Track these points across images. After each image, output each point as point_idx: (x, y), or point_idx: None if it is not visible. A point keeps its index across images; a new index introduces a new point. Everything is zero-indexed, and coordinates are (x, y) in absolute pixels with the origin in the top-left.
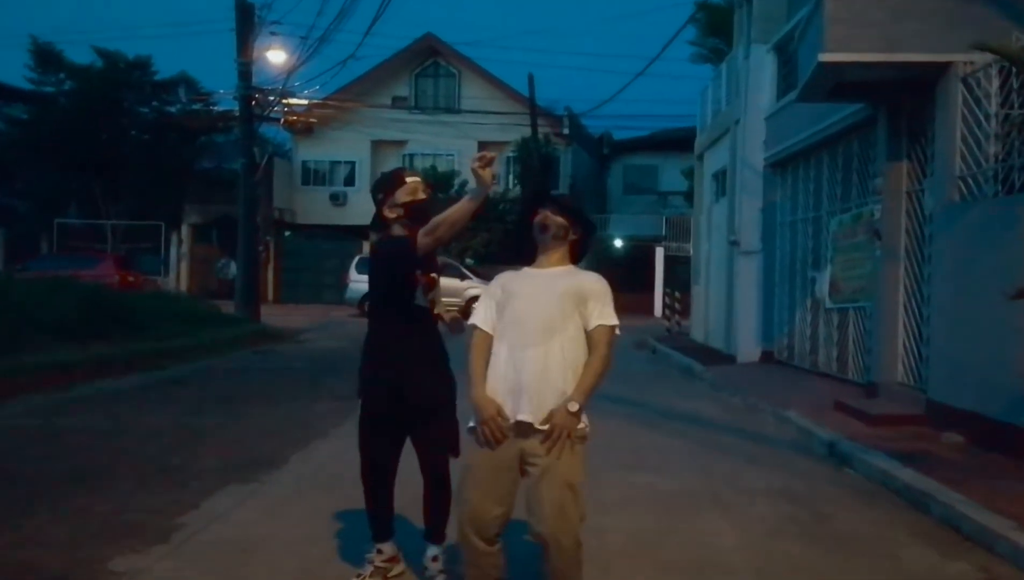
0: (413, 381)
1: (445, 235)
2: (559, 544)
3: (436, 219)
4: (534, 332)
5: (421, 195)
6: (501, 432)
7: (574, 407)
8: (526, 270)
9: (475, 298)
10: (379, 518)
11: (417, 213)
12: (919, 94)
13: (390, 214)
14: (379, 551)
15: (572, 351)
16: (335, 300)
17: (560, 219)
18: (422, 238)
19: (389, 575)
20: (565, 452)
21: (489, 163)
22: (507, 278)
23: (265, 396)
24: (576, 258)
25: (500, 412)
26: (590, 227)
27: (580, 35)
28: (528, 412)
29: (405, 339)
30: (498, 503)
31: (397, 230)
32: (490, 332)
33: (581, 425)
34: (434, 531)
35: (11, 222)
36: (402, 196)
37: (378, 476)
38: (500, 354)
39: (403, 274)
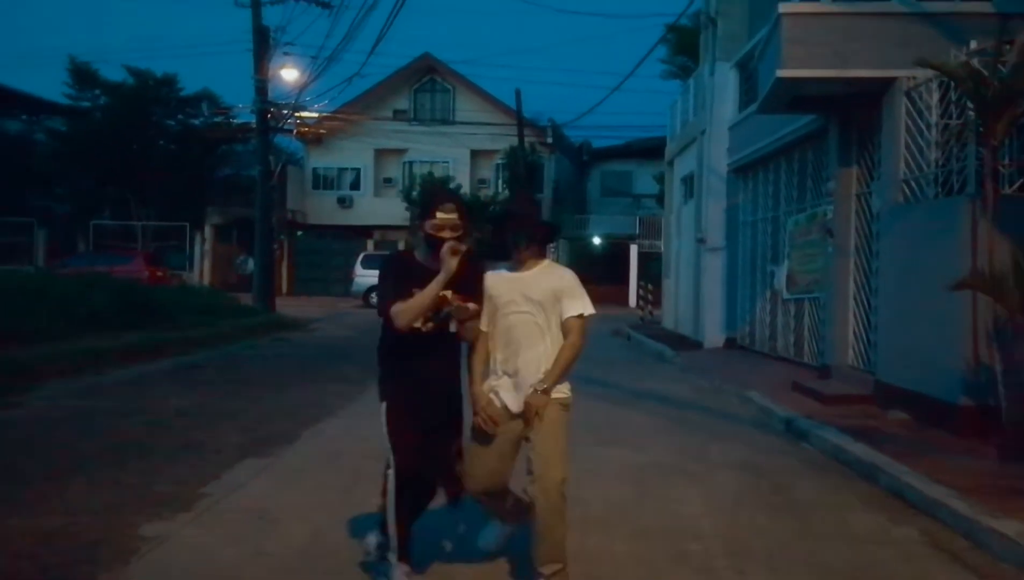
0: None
1: (403, 323)
2: (546, 493)
3: (400, 306)
4: (526, 338)
5: (445, 234)
6: (494, 420)
7: (542, 387)
8: (508, 275)
9: None
10: (404, 532)
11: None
12: (867, 106)
13: (429, 231)
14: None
15: (558, 344)
16: (342, 293)
17: (526, 229)
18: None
19: None
20: (550, 421)
21: (457, 253)
22: (493, 283)
23: (280, 379)
24: (545, 251)
25: (491, 402)
26: (554, 229)
27: (562, 54)
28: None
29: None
30: (500, 475)
31: (420, 254)
32: (486, 330)
33: (563, 395)
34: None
35: (51, 223)
36: (428, 227)
37: (423, 486)
38: (498, 359)
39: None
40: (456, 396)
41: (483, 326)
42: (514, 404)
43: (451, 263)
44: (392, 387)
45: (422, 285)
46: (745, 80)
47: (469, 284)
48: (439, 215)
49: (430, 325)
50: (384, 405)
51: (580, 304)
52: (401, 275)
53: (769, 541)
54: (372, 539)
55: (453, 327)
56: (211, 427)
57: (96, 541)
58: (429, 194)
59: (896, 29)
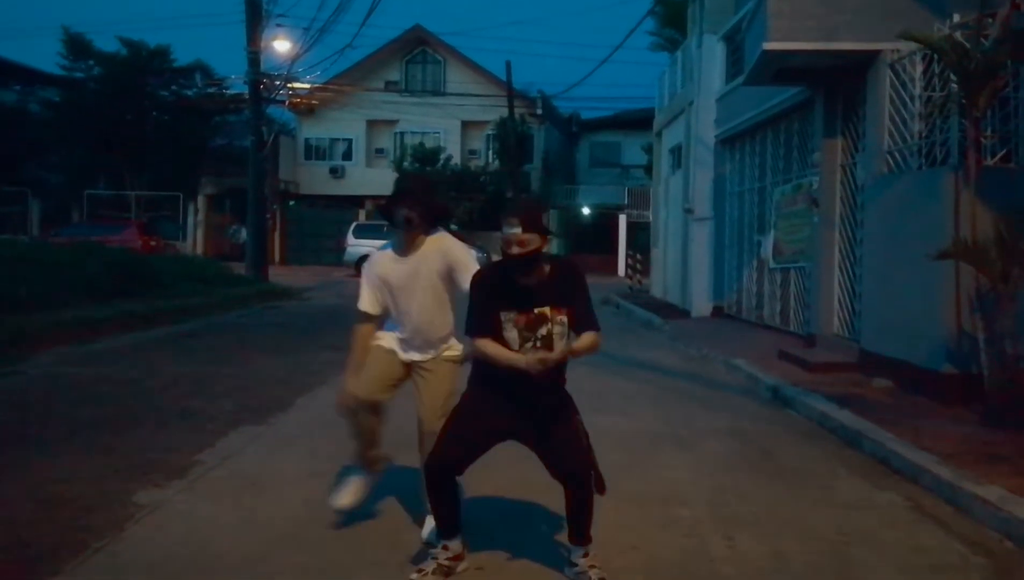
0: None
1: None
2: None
3: (482, 345)
4: (425, 321)
5: (513, 250)
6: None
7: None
8: (397, 257)
9: None
10: (447, 512)
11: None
12: (852, 78)
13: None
14: (445, 547)
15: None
16: (334, 262)
17: (416, 213)
18: None
19: (454, 573)
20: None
21: (545, 365)
22: (380, 263)
23: (273, 347)
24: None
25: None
26: (438, 210)
27: (552, 26)
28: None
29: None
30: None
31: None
32: (375, 313)
33: (456, 353)
34: (578, 534)
35: (45, 193)
36: (502, 241)
37: (451, 474)
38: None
39: None
40: (555, 408)
41: (367, 307)
42: (405, 356)
43: (535, 368)
44: (480, 384)
45: (512, 301)
46: (732, 52)
47: (565, 292)
48: (504, 230)
49: (528, 346)
50: (465, 391)
51: (474, 270)
52: (489, 295)
53: (756, 507)
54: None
55: (558, 343)
56: (205, 395)
57: (90, 508)
58: (507, 205)
59: (880, 2)
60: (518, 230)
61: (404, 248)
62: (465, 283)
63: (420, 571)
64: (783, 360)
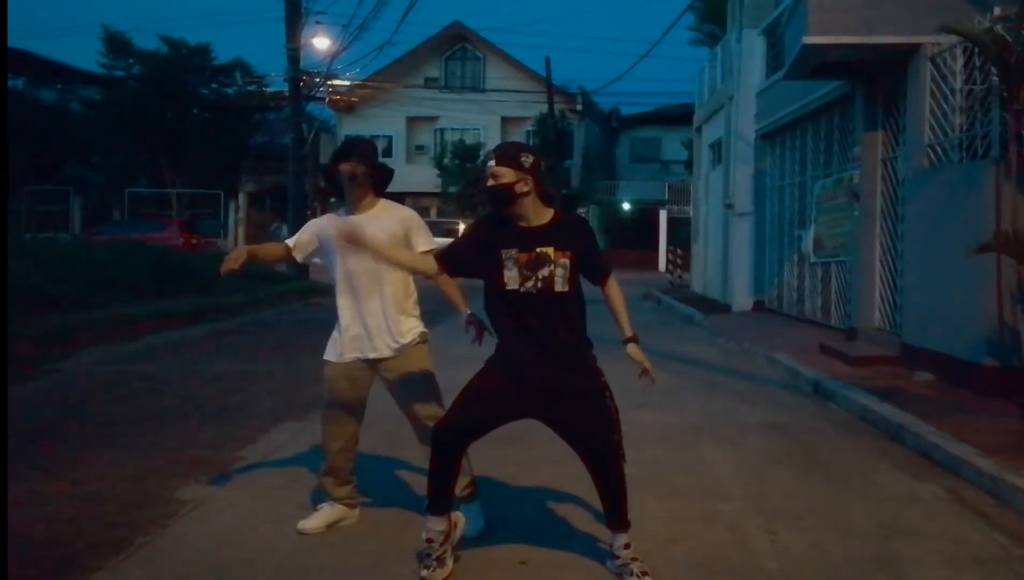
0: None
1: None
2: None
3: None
4: (366, 287)
5: (488, 182)
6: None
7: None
8: (344, 218)
9: None
10: (444, 486)
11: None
12: (893, 72)
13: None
14: (429, 539)
15: (401, 285)
16: None
17: (362, 167)
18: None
19: (448, 555)
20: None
21: (348, 238)
22: (325, 226)
23: (313, 343)
24: (380, 193)
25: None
26: (383, 168)
27: (591, 21)
28: (374, 350)
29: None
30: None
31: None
32: (298, 256)
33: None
34: (615, 519)
35: (87, 192)
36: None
37: (459, 444)
38: (341, 306)
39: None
40: (577, 368)
41: (293, 243)
42: (357, 354)
43: (342, 231)
44: (498, 353)
45: (513, 241)
46: (772, 47)
47: (570, 238)
48: (486, 169)
49: (529, 285)
50: (485, 364)
51: (429, 240)
52: (484, 237)
53: (798, 501)
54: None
55: (560, 286)
56: (246, 391)
57: (133, 504)
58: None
59: None
60: (492, 163)
61: (351, 207)
62: (420, 245)
63: (425, 566)
64: (824, 354)
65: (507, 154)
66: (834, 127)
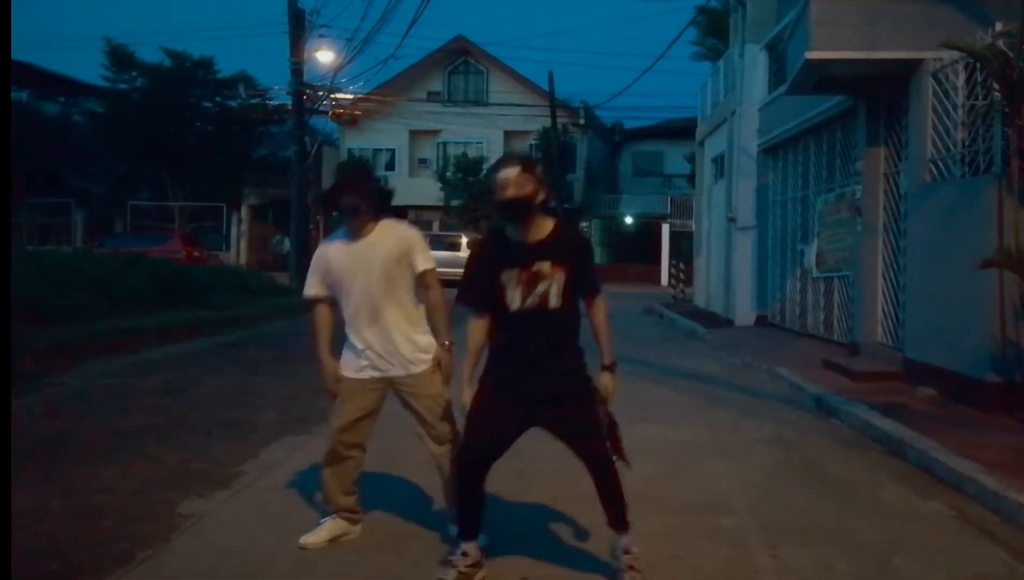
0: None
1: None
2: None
3: (471, 323)
4: (376, 310)
5: (509, 193)
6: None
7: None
8: (345, 246)
9: None
10: (470, 512)
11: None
12: (895, 87)
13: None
14: (464, 554)
15: (405, 306)
16: None
17: (362, 199)
18: None
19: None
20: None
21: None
22: (331, 255)
23: (315, 358)
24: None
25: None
26: (382, 194)
27: (594, 36)
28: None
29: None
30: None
31: (510, 230)
32: (322, 294)
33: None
34: (613, 518)
35: (89, 204)
36: (496, 187)
37: (480, 466)
38: (355, 329)
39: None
40: (566, 375)
41: (313, 290)
42: (374, 373)
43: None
44: (488, 371)
45: (511, 260)
46: (774, 62)
47: (566, 252)
48: (499, 175)
49: (529, 302)
50: (477, 387)
51: (428, 258)
52: (487, 259)
53: (800, 516)
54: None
55: (554, 302)
56: (248, 405)
57: (135, 518)
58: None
59: (922, 11)
60: (516, 169)
61: (352, 235)
62: (419, 264)
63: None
64: (827, 369)
65: (529, 166)
66: (836, 142)
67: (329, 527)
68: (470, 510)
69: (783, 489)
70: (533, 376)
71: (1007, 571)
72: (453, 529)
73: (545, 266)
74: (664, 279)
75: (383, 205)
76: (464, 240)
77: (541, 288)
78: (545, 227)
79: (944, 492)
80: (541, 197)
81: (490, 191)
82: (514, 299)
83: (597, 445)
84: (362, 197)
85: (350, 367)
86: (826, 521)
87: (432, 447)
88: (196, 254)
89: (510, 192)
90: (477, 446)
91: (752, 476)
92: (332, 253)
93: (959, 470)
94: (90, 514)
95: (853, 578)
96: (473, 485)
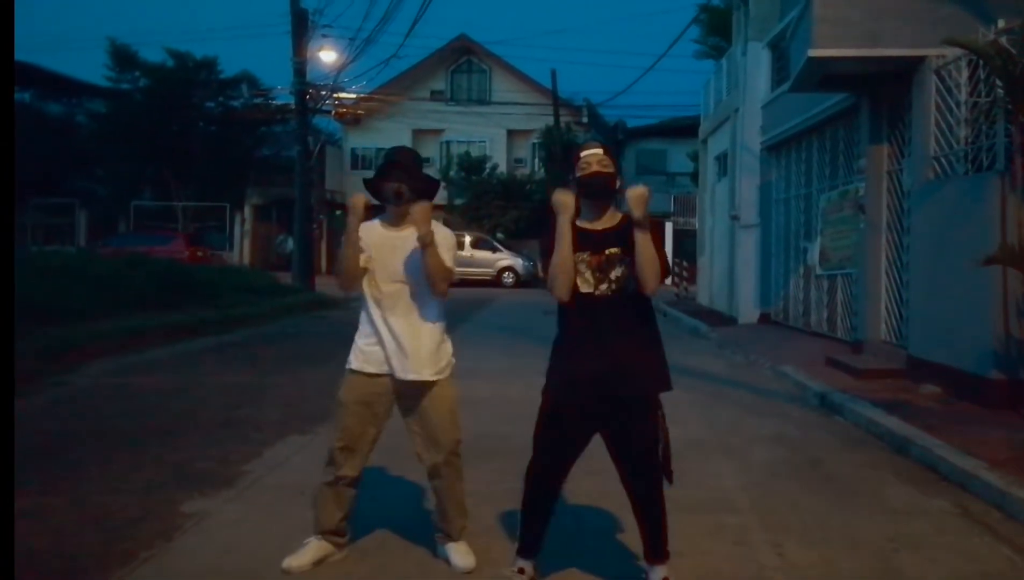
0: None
1: (557, 287)
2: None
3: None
4: (405, 304)
5: (595, 168)
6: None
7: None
8: (386, 231)
9: (506, 268)
10: (536, 528)
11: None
12: (897, 84)
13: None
14: (520, 570)
15: (431, 306)
16: None
17: (408, 185)
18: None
19: None
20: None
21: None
22: (369, 237)
23: (319, 356)
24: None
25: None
26: (429, 182)
27: (596, 34)
28: (411, 370)
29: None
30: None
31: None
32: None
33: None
34: (654, 548)
35: (92, 204)
36: (578, 171)
37: (553, 478)
38: (375, 317)
39: None
40: (642, 368)
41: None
42: (400, 371)
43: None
44: (554, 374)
45: (583, 244)
46: (777, 59)
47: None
48: (584, 154)
49: (604, 288)
50: (542, 399)
51: (451, 263)
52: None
53: (804, 514)
54: None
55: (629, 287)
56: (252, 404)
57: (138, 518)
58: (572, 151)
59: (925, 8)
60: (600, 151)
61: (394, 220)
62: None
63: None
64: (830, 366)
65: (609, 149)
66: (839, 139)
67: (313, 548)
68: (536, 525)
69: (787, 487)
70: (602, 374)
71: (1012, 568)
72: (442, 550)
73: (616, 251)
74: (667, 277)
75: (428, 195)
76: (468, 239)
77: (616, 272)
78: (615, 215)
79: (948, 489)
80: (619, 183)
81: (570, 169)
82: (585, 282)
83: (649, 464)
84: (408, 184)
85: (359, 359)
86: (830, 519)
87: (435, 457)
88: (200, 254)
89: (596, 167)
90: (548, 464)
91: (756, 474)
92: (371, 232)
93: (963, 467)
94: (94, 514)
95: (857, 575)
96: (545, 498)
